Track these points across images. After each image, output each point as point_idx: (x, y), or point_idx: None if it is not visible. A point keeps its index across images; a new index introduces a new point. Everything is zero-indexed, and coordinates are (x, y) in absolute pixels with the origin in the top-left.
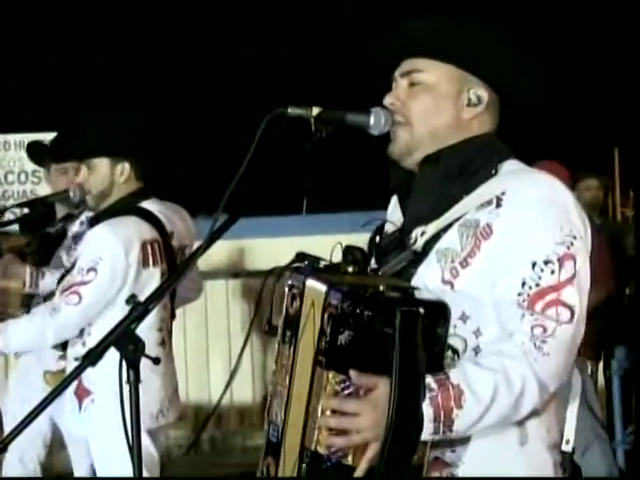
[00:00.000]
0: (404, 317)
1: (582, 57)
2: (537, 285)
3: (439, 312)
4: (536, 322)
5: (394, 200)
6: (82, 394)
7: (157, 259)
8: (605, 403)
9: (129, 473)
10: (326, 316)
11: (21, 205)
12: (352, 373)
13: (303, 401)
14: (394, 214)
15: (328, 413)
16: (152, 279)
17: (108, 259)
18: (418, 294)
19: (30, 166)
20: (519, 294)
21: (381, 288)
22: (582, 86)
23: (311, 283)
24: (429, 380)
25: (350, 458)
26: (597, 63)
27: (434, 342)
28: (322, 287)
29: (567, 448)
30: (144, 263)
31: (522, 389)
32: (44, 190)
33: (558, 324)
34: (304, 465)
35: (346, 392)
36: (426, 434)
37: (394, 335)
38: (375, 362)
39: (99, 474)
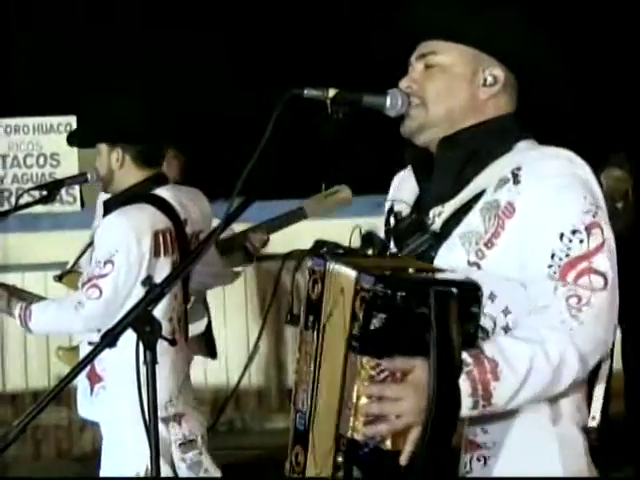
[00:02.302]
0: (438, 297)
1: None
2: (567, 255)
3: (472, 291)
4: (570, 292)
5: (396, 180)
6: (94, 379)
7: (168, 249)
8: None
9: (136, 459)
10: (358, 301)
11: (39, 188)
12: (384, 361)
13: (334, 388)
14: (401, 192)
15: (364, 400)
16: (163, 269)
17: (123, 250)
18: (446, 275)
19: (49, 149)
20: (549, 266)
21: (410, 270)
22: (608, 69)
23: (338, 268)
24: (464, 355)
25: (389, 442)
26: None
27: (468, 321)
28: (351, 272)
29: (592, 423)
30: (156, 253)
31: (561, 359)
32: (63, 173)
33: (592, 292)
34: (340, 453)
35: (382, 376)
36: (465, 409)
37: (429, 315)
38: (410, 344)
39: (103, 458)
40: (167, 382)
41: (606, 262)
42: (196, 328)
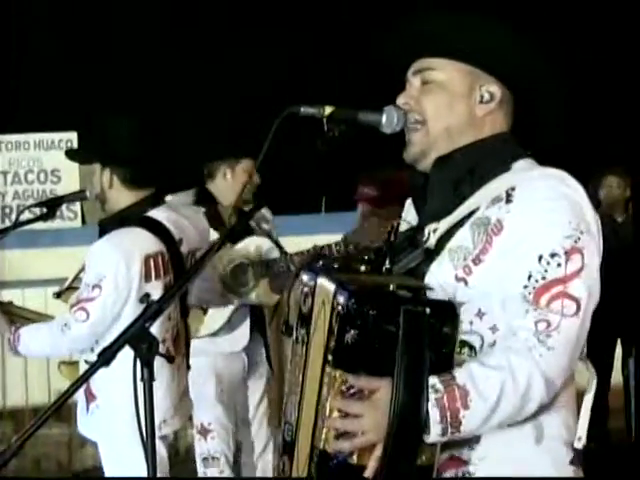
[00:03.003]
0: (408, 316)
1: (608, 53)
2: (543, 278)
3: (447, 312)
4: (540, 317)
5: (408, 203)
6: (90, 397)
7: (160, 273)
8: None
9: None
10: (334, 315)
11: (39, 205)
12: (351, 377)
13: (314, 400)
14: (408, 214)
15: (335, 413)
16: (155, 292)
17: (111, 275)
18: (431, 293)
19: (49, 165)
20: (525, 287)
21: (391, 287)
22: (605, 81)
23: (322, 282)
24: (435, 381)
25: (355, 457)
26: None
27: (442, 343)
28: (331, 286)
29: (578, 445)
30: (146, 277)
31: (528, 386)
32: (63, 189)
33: (563, 317)
34: (313, 464)
35: (352, 391)
36: (434, 436)
37: (398, 334)
38: (380, 361)
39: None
40: (162, 402)
41: (581, 288)
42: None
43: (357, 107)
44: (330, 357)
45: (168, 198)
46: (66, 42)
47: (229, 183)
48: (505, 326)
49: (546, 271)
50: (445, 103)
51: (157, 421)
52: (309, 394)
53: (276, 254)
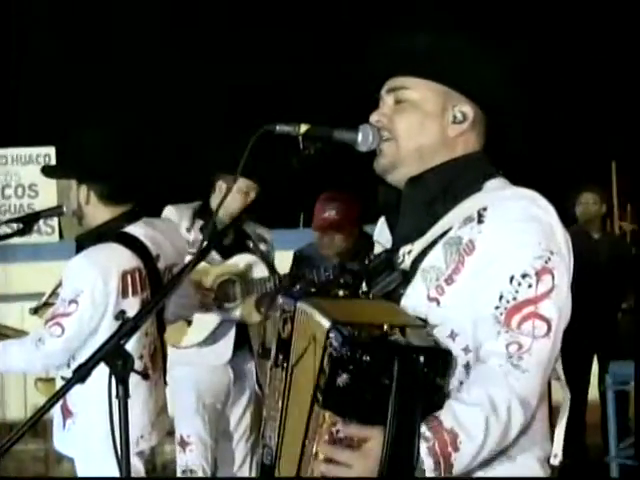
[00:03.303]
0: (403, 366)
1: (580, 72)
2: (514, 299)
3: (441, 360)
4: (511, 339)
5: (381, 221)
6: (66, 414)
7: (137, 289)
8: (600, 418)
9: None
10: (326, 356)
11: (16, 220)
12: (340, 423)
13: (299, 434)
14: (382, 235)
15: (321, 456)
16: (132, 309)
17: (88, 291)
18: (421, 337)
19: (27, 180)
20: (496, 307)
21: (385, 328)
22: (579, 100)
23: (311, 312)
24: (423, 429)
25: None
26: (595, 78)
27: (433, 391)
28: (325, 323)
29: (555, 462)
30: (123, 293)
31: (508, 416)
32: (41, 204)
33: (534, 339)
34: None
35: (340, 435)
36: None
37: (392, 384)
38: (371, 409)
39: None
40: (139, 418)
41: (552, 309)
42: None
43: (334, 125)
44: (320, 396)
45: (167, 209)
46: (47, 58)
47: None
48: (475, 345)
49: (517, 292)
50: (417, 122)
51: (134, 437)
52: (294, 425)
53: (264, 274)
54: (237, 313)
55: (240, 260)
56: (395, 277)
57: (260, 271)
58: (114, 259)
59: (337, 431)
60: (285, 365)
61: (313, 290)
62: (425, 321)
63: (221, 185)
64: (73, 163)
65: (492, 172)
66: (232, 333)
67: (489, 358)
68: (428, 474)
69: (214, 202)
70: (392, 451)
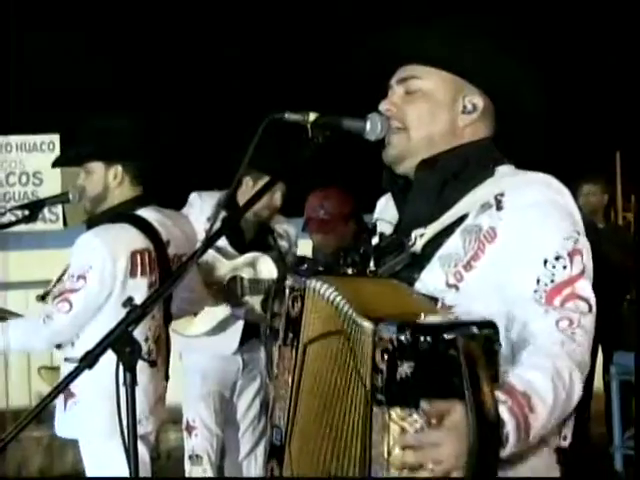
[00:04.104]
0: (466, 338)
1: (584, 61)
2: (552, 281)
3: (491, 330)
4: (560, 315)
5: (384, 199)
6: (67, 395)
7: (146, 270)
8: (604, 407)
9: (116, 474)
10: (378, 352)
11: (21, 207)
12: (423, 403)
13: (314, 413)
14: (386, 212)
15: (397, 451)
16: (139, 289)
17: (97, 267)
18: (454, 317)
19: (31, 168)
20: (535, 291)
21: (422, 315)
22: (584, 90)
23: (352, 315)
24: (497, 393)
25: None
26: (598, 67)
27: (492, 359)
28: (367, 323)
29: (564, 444)
30: (132, 273)
31: (571, 381)
32: (46, 191)
33: (581, 315)
34: None
35: (417, 426)
36: (511, 446)
37: (457, 358)
38: (440, 389)
39: (88, 475)
40: (139, 402)
41: (588, 287)
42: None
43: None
44: (381, 397)
45: (194, 195)
46: (51, 46)
47: (248, 195)
48: (516, 334)
49: (553, 274)
50: (428, 112)
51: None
52: (309, 408)
53: (273, 274)
54: (243, 310)
55: (252, 258)
56: (403, 258)
57: (271, 271)
58: (124, 238)
59: (412, 423)
60: (295, 344)
61: (321, 269)
62: (437, 300)
63: (248, 181)
64: (108, 143)
65: (501, 158)
66: (240, 324)
67: (540, 334)
68: (512, 435)
69: (240, 196)
70: (478, 419)
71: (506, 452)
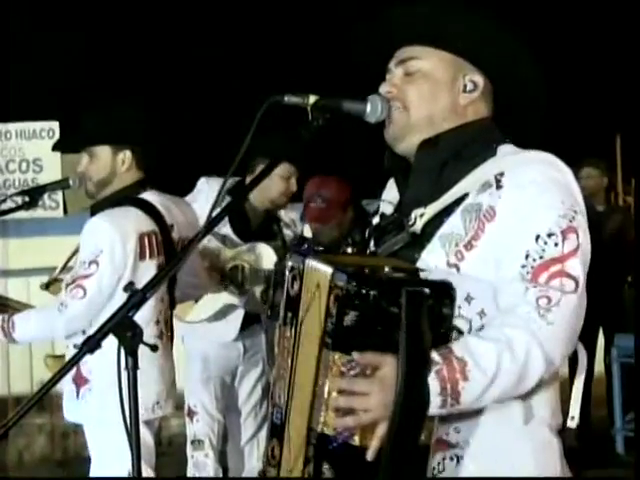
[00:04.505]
0: (410, 296)
1: (584, 44)
2: (541, 257)
3: (445, 292)
4: (541, 293)
5: (390, 182)
6: (80, 382)
7: (154, 251)
8: (605, 390)
9: (123, 461)
10: (332, 297)
11: (21, 193)
12: (355, 354)
13: (308, 383)
14: (390, 194)
15: (335, 394)
16: (148, 271)
17: (107, 251)
18: (422, 275)
19: (31, 155)
20: (523, 266)
21: (386, 269)
22: (584, 73)
23: (314, 265)
24: (433, 355)
25: (357, 438)
26: (599, 50)
27: (440, 322)
28: (327, 269)
29: (572, 424)
30: (141, 255)
31: (526, 357)
32: (45, 179)
33: (563, 294)
34: (311, 447)
35: (352, 373)
36: (433, 408)
37: (400, 314)
38: (381, 342)
39: (93, 462)
40: (156, 385)
41: (578, 266)
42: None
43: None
44: (329, 340)
45: (202, 180)
46: (50, 32)
47: (263, 182)
48: (499, 307)
49: (544, 250)
50: (428, 92)
51: (150, 403)
52: (302, 377)
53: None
54: (243, 300)
55: (255, 247)
56: (403, 237)
57: (270, 261)
58: (131, 221)
59: (349, 369)
60: (294, 323)
61: (321, 248)
62: (421, 270)
63: (260, 168)
64: (118, 128)
65: (503, 138)
66: (240, 312)
67: (516, 308)
68: (433, 398)
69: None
70: (407, 376)
71: (432, 412)
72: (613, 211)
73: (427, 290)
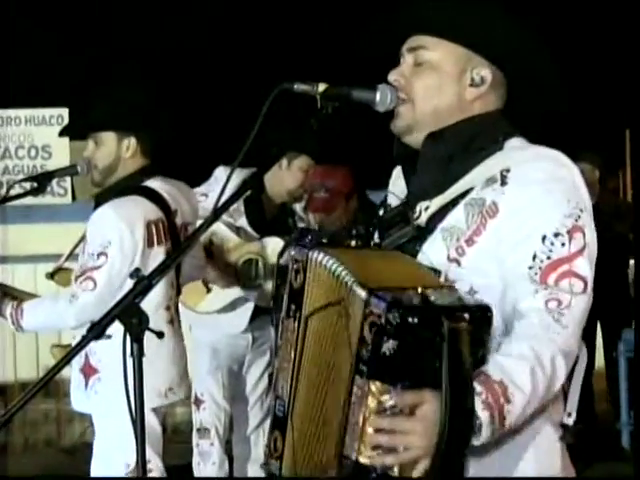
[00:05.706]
0: (452, 330)
1: (595, 39)
2: (548, 258)
3: (484, 317)
4: (550, 296)
5: (396, 171)
6: (89, 372)
7: (161, 238)
8: (607, 384)
9: (127, 452)
10: (367, 325)
11: (29, 179)
12: (392, 393)
13: (335, 403)
14: (396, 185)
15: (370, 429)
16: (157, 259)
17: (116, 241)
18: (455, 296)
19: (40, 141)
20: (530, 267)
21: (419, 290)
22: (593, 68)
23: (352, 284)
24: (474, 384)
25: (396, 469)
26: (609, 45)
27: (478, 347)
28: (361, 292)
29: (569, 421)
30: (149, 243)
31: (552, 367)
32: (54, 165)
33: (573, 295)
34: (344, 471)
35: (390, 404)
36: (484, 438)
37: (441, 344)
38: (421, 372)
39: (96, 452)
40: (169, 370)
41: (586, 266)
42: None
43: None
44: (363, 367)
45: (220, 169)
46: (59, 19)
47: (281, 175)
48: (500, 306)
49: (551, 251)
50: (434, 84)
51: (163, 388)
52: (314, 378)
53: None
54: (255, 294)
55: (269, 241)
56: (408, 231)
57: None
58: (138, 209)
59: (386, 400)
60: (298, 315)
61: (324, 241)
62: (439, 272)
63: (283, 161)
64: (122, 114)
65: (511, 131)
66: (250, 305)
67: (528, 314)
68: (485, 428)
69: (268, 175)
70: (451, 412)
71: (480, 442)
72: (606, 200)
73: (467, 315)
